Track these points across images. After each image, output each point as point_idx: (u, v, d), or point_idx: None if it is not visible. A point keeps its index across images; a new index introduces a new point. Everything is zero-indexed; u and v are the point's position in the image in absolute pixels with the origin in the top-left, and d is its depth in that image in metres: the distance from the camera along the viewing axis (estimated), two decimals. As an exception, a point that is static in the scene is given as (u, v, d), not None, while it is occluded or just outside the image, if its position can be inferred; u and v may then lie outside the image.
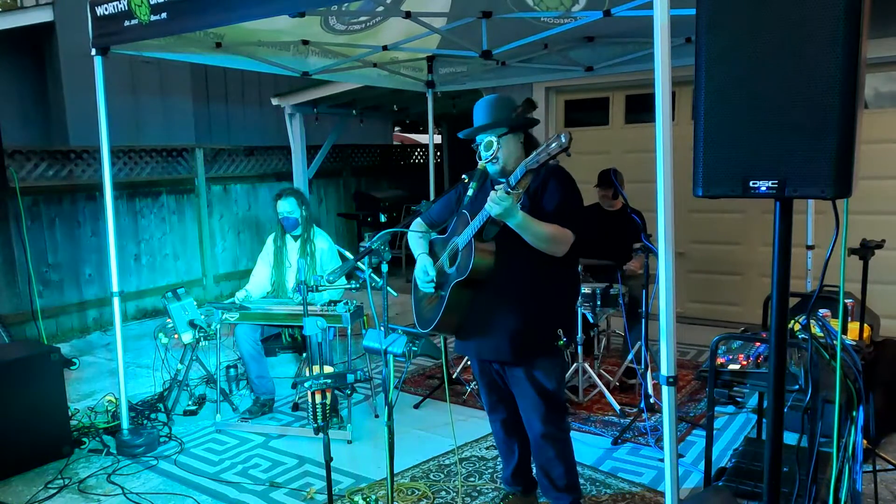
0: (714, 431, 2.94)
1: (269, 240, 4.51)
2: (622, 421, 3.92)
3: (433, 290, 2.65)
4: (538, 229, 2.40)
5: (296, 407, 4.34)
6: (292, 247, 4.40)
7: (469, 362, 4.59)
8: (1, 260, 5.86)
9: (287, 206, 4.29)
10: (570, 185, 2.54)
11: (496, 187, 2.34)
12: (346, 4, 3.88)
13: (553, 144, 2.23)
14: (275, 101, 7.97)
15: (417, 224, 2.86)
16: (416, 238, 2.78)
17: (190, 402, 4.36)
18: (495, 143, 2.49)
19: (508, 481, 2.95)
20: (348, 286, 3.91)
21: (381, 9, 3.98)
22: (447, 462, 3.51)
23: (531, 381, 2.57)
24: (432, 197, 5.70)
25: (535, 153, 2.28)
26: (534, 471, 2.93)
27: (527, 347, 2.53)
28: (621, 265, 4.48)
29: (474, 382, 4.34)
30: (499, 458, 3.45)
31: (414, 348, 2.28)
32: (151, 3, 3.24)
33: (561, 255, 2.47)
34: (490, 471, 3.38)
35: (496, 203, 2.29)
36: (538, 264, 2.47)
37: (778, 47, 1.57)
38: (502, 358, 2.59)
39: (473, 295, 2.54)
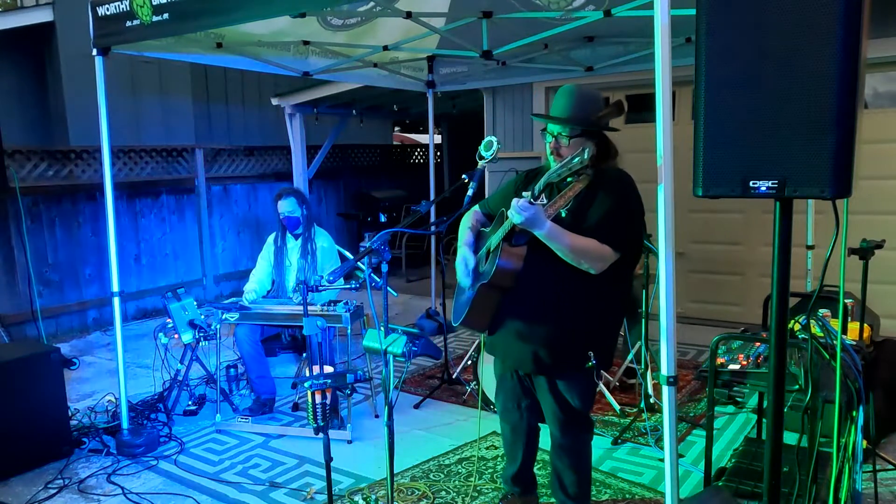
0: (714, 431, 2.94)
1: (270, 239, 4.52)
2: (622, 421, 3.92)
3: (471, 283, 2.57)
4: (568, 242, 2.26)
5: (296, 407, 4.34)
6: (293, 246, 4.41)
7: (469, 361, 4.60)
8: (1, 260, 5.86)
9: (288, 206, 4.29)
10: (623, 198, 2.37)
11: (523, 193, 2.25)
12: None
13: (575, 160, 2.16)
14: (275, 101, 7.98)
15: (473, 213, 2.73)
16: (465, 228, 2.69)
17: (190, 402, 4.36)
18: (495, 144, 2.43)
19: (508, 481, 2.94)
20: (346, 286, 3.91)
21: (378, 8, 3.98)
22: (447, 462, 3.51)
23: (553, 393, 2.51)
24: (432, 197, 5.72)
25: (557, 166, 2.22)
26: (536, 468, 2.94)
27: (550, 361, 2.44)
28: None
29: (475, 382, 4.34)
30: (499, 458, 3.45)
31: (414, 348, 2.28)
32: (153, 3, 3.24)
33: (596, 272, 2.31)
34: (490, 471, 3.38)
35: (518, 212, 2.21)
36: (568, 277, 2.34)
37: (778, 47, 1.57)
38: (524, 368, 2.55)
39: (501, 298, 2.47)
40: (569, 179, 2.31)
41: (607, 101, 2.47)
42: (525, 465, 2.87)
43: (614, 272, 2.36)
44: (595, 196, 2.35)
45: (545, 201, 2.24)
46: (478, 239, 2.68)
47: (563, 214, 2.33)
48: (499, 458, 3.48)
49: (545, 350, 2.43)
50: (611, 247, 2.30)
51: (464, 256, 2.60)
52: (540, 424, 2.81)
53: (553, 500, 2.82)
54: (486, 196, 2.86)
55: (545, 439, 2.77)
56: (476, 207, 2.73)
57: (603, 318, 2.48)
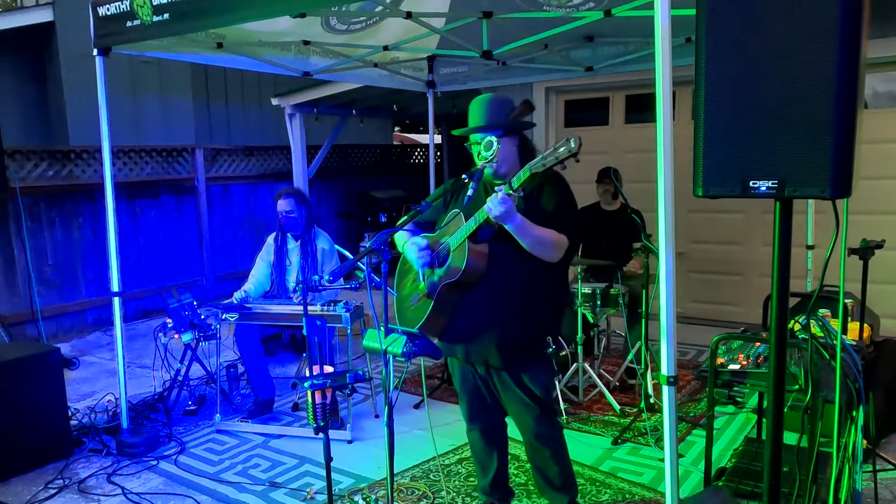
0: (714, 431, 2.94)
1: (270, 239, 4.51)
2: (622, 421, 3.92)
3: (428, 269, 2.55)
4: (535, 233, 2.35)
5: (296, 407, 4.34)
6: (293, 246, 4.41)
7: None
8: (1, 260, 5.86)
9: (286, 206, 4.29)
10: (566, 191, 2.50)
11: (497, 188, 2.28)
12: (346, 5, 3.88)
13: (562, 148, 2.17)
14: (275, 101, 7.98)
15: (404, 233, 2.71)
16: (404, 238, 2.69)
17: (190, 403, 4.36)
18: (496, 143, 2.46)
19: (486, 491, 2.89)
20: (346, 286, 3.91)
21: (380, 8, 3.98)
22: (447, 462, 3.51)
23: (520, 386, 2.53)
24: (432, 197, 5.71)
25: (541, 156, 2.23)
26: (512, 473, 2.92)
27: (516, 352, 2.49)
28: (621, 265, 4.48)
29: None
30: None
31: (414, 348, 2.28)
32: (154, 3, 3.24)
33: (556, 261, 2.43)
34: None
35: (497, 204, 2.24)
36: (529, 269, 2.43)
37: (778, 47, 1.57)
38: (491, 363, 2.55)
39: (462, 297, 2.49)
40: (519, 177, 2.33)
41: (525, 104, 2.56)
42: (501, 470, 2.85)
43: (561, 260, 2.47)
44: (542, 192, 2.45)
45: (522, 193, 2.27)
46: None
47: None
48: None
49: (510, 344, 2.46)
50: (566, 235, 2.41)
51: (414, 242, 2.57)
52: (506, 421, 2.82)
53: (543, 499, 2.80)
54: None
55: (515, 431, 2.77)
56: (407, 227, 2.65)
57: (555, 305, 2.60)
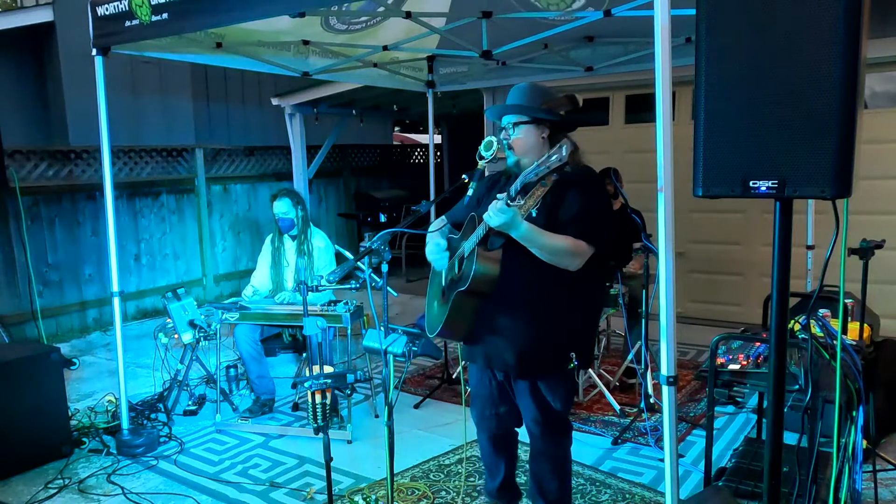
0: (714, 431, 2.94)
1: (268, 240, 4.52)
2: (622, 421, 3.92)
3: (447, 264, 2.51)
4: (545, 241, 2.24)
5: (296, 407, 4.34)
6: (290, 247, 4.41)
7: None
8: (1, 260, 5.86)
9: (282, 208, 4.30)
10: (593, 194, 2.36)
11: (497, 196, 2.21)
12: (346, 5, 3.88)
13: (553, 157, 2.11)
14: (275, 101, 7.98)
15: (441, 221, 2.71)
16: (433, 235, 2.63)
17: (190, 402, 4.36)
18: (495, 144, 2.38)
19: (493, 494, 2.88)
20: (346, 286, 3.91)
21: (381, 9, 3.98)
22: (447, 462, 3.51)
23: (534, 397, 2.48)
24: (432, 197, 5.71)
25: (535, 165, 2.16)
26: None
27: (533, 363, 2.42)
28: (621, 265, 4.48)
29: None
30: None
31: (414, 348, 2.28)
32: (152, 3, 3.24)
33: (574, 269, 2.30)
34: (490, 471, 3.38)
35: (496, 213, 2.16)
36: (550, 277, 2.31)
37: (778, 47, 1.58)
38: (508, 370, 2.51)
39: (479, 304, 2.42)
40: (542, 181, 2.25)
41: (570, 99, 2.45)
42: (508, 476, 2.84)
43: (590, 268, 2.35)
44: (564, 193, 2.31)
45: (521, 202, 2.18)
46: (449, 244, 2.63)
47: (534, 214, 2.29)
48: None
49: (529, 352, 2.40)
50: (586, 241, 2.28)
51: (435, 241, 2.55)
52: (517, 429, 2.78)
53: None
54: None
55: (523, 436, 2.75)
56: (443, 217, 2.68)
57: (582, 315, 2.47)
